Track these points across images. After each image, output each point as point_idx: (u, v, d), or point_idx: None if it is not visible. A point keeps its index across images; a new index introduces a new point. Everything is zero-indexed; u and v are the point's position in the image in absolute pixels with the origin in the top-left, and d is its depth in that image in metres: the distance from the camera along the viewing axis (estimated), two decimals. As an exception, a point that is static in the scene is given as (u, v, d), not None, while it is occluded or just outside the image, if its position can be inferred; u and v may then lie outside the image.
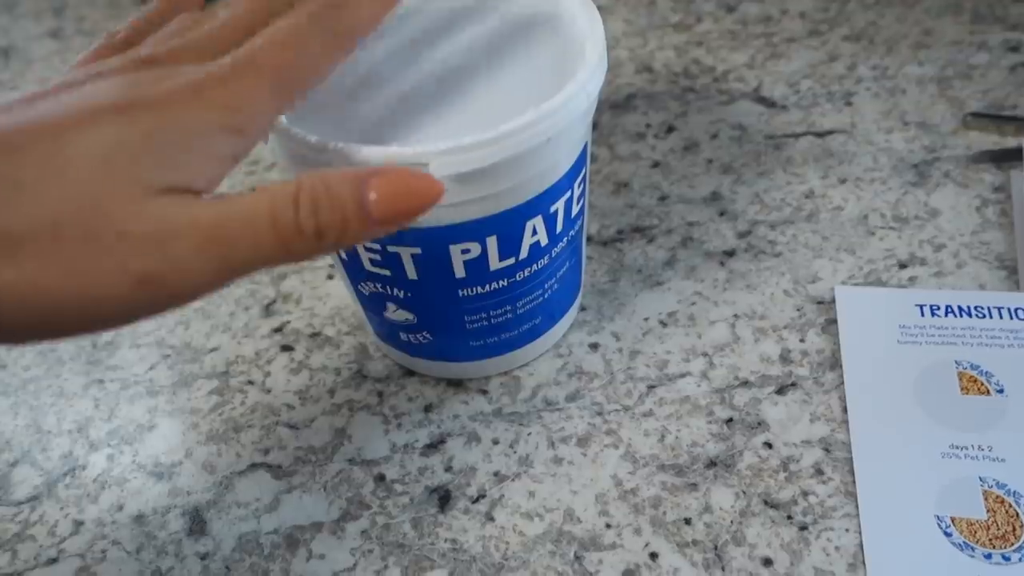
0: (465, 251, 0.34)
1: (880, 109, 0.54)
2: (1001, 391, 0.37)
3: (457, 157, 0.30)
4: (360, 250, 0.35)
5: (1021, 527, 0.33)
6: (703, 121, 0.55)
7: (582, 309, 0.44)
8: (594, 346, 0.42)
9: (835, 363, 0.40)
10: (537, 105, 0.30)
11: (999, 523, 0.34)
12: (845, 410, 0.38)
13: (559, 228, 0.36)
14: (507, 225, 0.34)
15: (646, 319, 0.43)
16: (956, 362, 0.39)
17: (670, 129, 0.54)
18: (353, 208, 0.24)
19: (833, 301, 0.42)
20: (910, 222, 0.46)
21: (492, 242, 0.34)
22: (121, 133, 0.23)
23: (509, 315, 0.38)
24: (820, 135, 0.53)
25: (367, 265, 0.36)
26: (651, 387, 0.40)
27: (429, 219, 0.32)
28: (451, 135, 0.30)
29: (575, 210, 0.37)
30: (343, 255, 0.36)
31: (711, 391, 0.39)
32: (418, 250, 0.34)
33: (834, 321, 0.42)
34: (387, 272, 0.35)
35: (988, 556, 0.33)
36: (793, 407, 0.38)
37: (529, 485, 0.37)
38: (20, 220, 0.22)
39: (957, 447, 0.36)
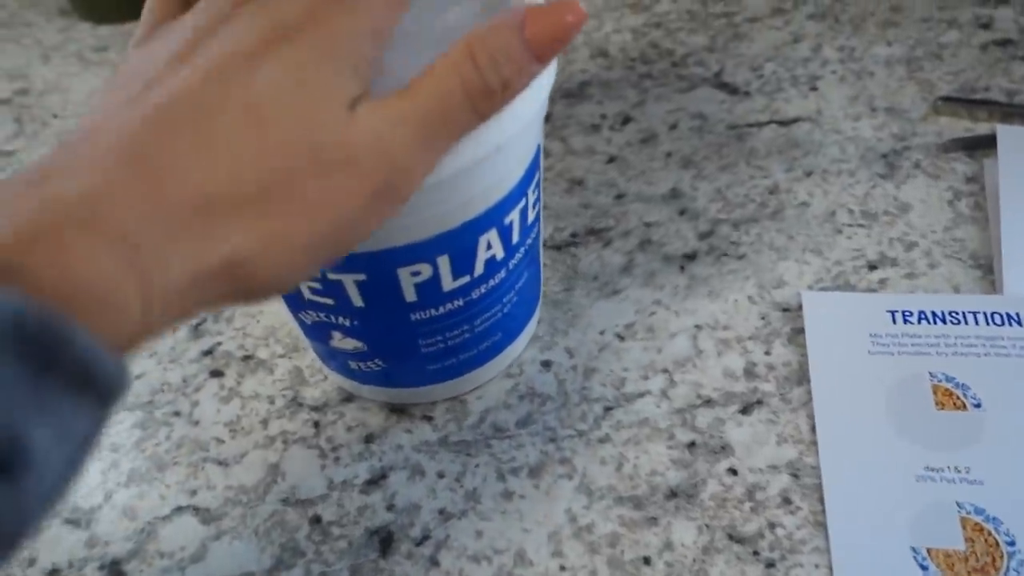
0: (415, 273, 0.31)
1: (847, 94, 0.51)
2: (978, 405, 0.35)
3: None
4: None
5: (1001, 558, 0.31)
6: (661, 110, 0.52)
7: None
8: (547, 364, 0.39)
9: (803, 377, 0.37)
10: None
11: (978, 554, 0.31)
12: (814, 430, 0.35)
13: (515, 239, 0.33)
14: (459, 242, 0.31)
15: (602, 332, 0.40)
16: (930, 374, 0.36)
17: (626, 120, 0.51)
18: (524, 53, 0.24)
19: (800, 308, 0.40)
20: (879, 218, 0.44)
21: (444, 262, 0.31)
22: (293, 59, 0.22)
23: (467, 335, 0.35)
24: (784, 123, 0.50)
25: (307, 295, 0.32)
26: (608, 409, 0.37)
27: (372, 242, 0.29)
28: None
29: (531, 217, 0.34)
30: None
31: (672, 412, 0.37)
32: (363, 276, 0.31)
33: (801, 330, 0.39)
34: (330, 301, 0.32)
35: (967, 592, 0.31)
36: (759, 428, 0.36)
37: (477, 524, 0.34)
38: (234, 180, 0.21)
39: (932, 469, 0.34)
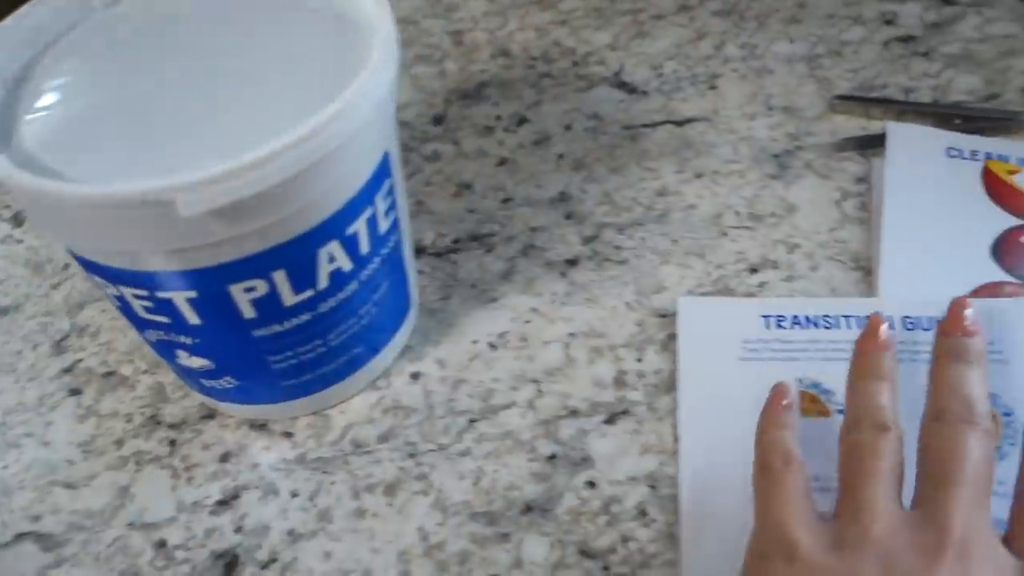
0: (249, 290, 0.30)
1: (745, 92, 0.50)
2: (841, 411, 0.34)
3: (208, 190, 0.25)
4: (128, 296, 0.30)
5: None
6: (557, 111, 0.51)
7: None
8: (415, 376, 0.38)
9: (672, 385, 0.36)
10: (308, 117, 0.26)
11: (831, 567, 0.30)
12: (677, 439, 0.35)
13: (365, 249, 0.32)
14: (294, 256, 0.29)
15: (475, 342, 0.39)
16: (799, 380, 0.36)
17: (522, 121, 0.50)
18: None
19: (676, 314, 0.39)
20: (765, 220, 0.43)
21: (281, 276, 0.30)
22: None
23: (321, 350, 0.34)
24: (679, 123, 0.49)
25: (141, 312, 0.31)
26: (472, 421, 0.36)
27: (199, 259, 0.28)
28: (205, 159, 0.25)
29: (384, 226, 0.33)
30: (116, 301, 0.32)
31: (536, 423, 0.36)
32: (193, 293, 0.29)
33: (675, 337, 0.38)
34: (166, 319, 0.31)
35: (816, 607, 0.30)
36: (623, 438, 0.35)
37: (326, 544, 0.33)
38: None
39: (793, 479, 0.33)
